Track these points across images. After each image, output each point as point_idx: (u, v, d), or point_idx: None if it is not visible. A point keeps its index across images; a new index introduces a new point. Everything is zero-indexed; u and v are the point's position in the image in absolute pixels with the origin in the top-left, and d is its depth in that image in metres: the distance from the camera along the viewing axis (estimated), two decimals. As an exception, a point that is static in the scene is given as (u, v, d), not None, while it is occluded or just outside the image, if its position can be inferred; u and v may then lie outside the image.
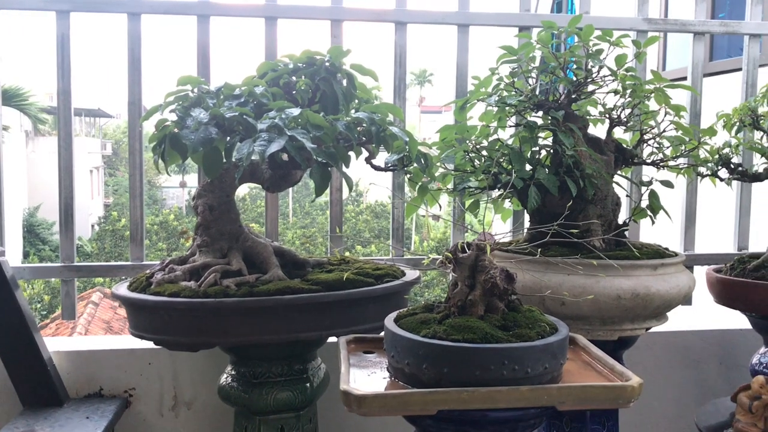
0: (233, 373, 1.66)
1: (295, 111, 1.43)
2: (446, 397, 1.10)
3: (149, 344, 1.56)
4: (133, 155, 2.05)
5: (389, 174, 2.13)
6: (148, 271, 1.63)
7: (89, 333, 9.09)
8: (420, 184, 1.78)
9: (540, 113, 1.80)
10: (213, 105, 1.47)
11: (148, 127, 1.98)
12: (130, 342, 1.98)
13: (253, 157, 1.34)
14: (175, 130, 1.46)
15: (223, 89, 1.55)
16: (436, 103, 42.72)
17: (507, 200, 1.94)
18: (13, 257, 1.86)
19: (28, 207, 20.75)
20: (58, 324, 9.47)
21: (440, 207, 1.85)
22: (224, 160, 1.46)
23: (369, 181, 1.61)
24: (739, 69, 2.41)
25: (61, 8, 1.98)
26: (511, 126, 1.88)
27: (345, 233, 2.16)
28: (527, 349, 1.13)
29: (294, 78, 1.70)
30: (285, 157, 1.52)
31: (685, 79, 2.38)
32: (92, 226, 23.12)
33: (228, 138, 1.45)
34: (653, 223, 1.87)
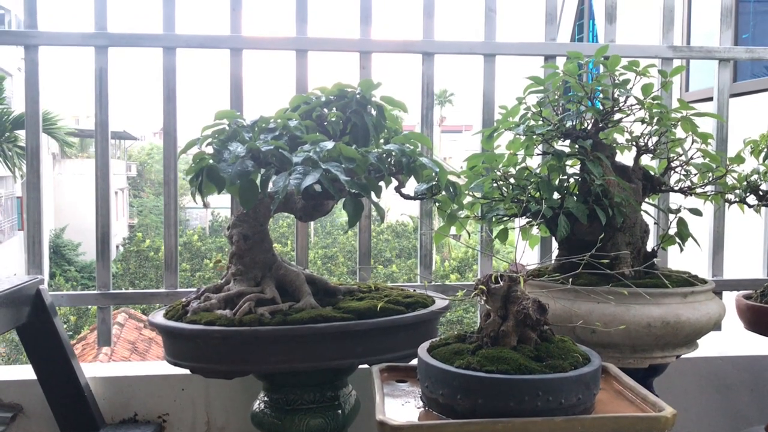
0: (266, 399, 1.68)
1: (329, 144, 1.46)
2: (481, 428, 1.12)
3: (183, 370, 1.59)
4: (167, 185, 2.10)
5: (416, 201, 2.16)
6: (184, 300, 1.67)
7: (115, 354, 9.17)
8: (449, 212, 1.80)
9: (567, 142, 1.83)
10: (249, 138, 1.51)
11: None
12: (164, 368, 2.02)
13: (289, 189, 1.38)
14: (212, 162, 1.50)
15: (258, 122, 1.59)
16: (457, 123, 42.80)
17: (534, 228, 1.96)
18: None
19: (54, 228, 21.06)
20: (84, 345, 9.58)
21: (468, 234, 1.87)
22: (259, 191, 1.50)
23: (391, 203, 1.64)
24: (764, 90, 2.42)
25: (100, 44, 2.05)
26: (538, 154, 1.91)
27: (372, 258, 2.18)
28: (561, 380, 1.14)
29: (326, 110, 1.74)
30: (318, 188, 1.55)
31: (708, 100, 2.39)
32: (117, 246, 23.40)
33: (263, 170, 1.50)
34: (682, 250, 1.87)
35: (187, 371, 1.58)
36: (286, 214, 1.78)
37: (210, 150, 1.54)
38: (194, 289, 1.73)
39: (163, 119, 2.10)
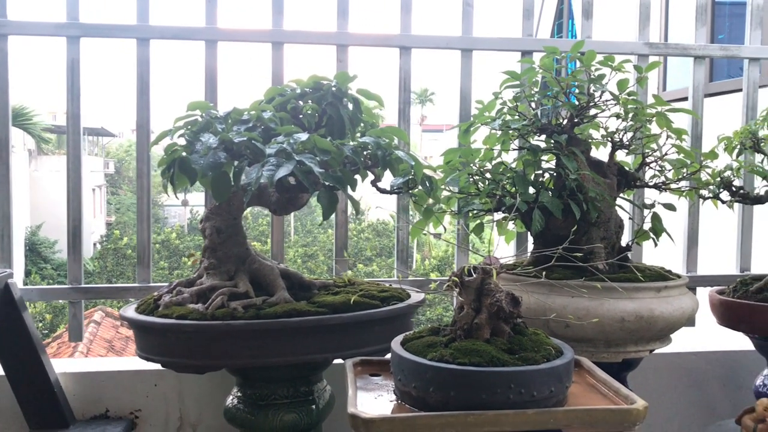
0: (239, 395, 1.67)
1: (303, 136, 1.45)
2: (453, 421, 1.11)
3: (155, 366, 1.57)
4: (140, 178, 2.07)
5: (393, 196, 2.15)
6: (156, 294, 1.65)
7: (91, 352, 9.06)
8: (425, 206, 1.80)
9: (543, 137, 1.83)
10: (222, 130, 1.49)
11: (156, 150, 2.01)
12: (136, 363, 2.00)
13: (261, 181, 1.36)
14: (184, 154, 1.48)
15: (232, 114, 1.57)
16: (438, 122, 42.88)
17: (511, 222, 1.96)
18: (16, 277, 1.88)
19: (30, 225, 20.77)
20: (59, 343, 9.45)
21: (444, 229, 1.87)
22: (232, 184, 1.48)
23: (371, 200, 1.63)
24: (740, 90, 2.44)
25: (72, 34, 2.02)
26: (514, 149, 1.91)
27: (348, 253, 2.17)
28: (533, 373, 1.14)
29: (301, 102, 1.72)
30: (292, 180, 1.54)
31: (685, 99, 2.41)
32: (94, 244, 23.14)
33: (236, 162, 1.48)
34: (656, 245, 1.88)
35: (159, 366, 1.56)
36: (266, 212, 1.77)
37: (182, 141, 1.52)
38: (167, 284, 1.71)
39: (137, 112, 2.08)
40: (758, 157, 2.03)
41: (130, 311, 1.61)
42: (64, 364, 2.03)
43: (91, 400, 1.97)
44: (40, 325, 13.18)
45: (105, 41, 2.09)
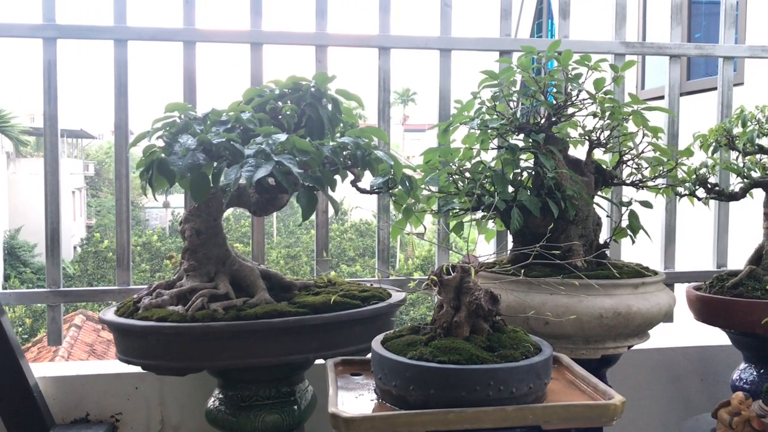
0: (221, 396, 1.66)
1: (282, 136, 1.45)
2: (433, 419, 1.12)
3: (136, 369, 1.56)
4: (119, 180, 2.06)
5: (374, 195, 2.16)
6: (135, 296, 1.64)
7: (72, 356, 8.98)
8: (405, 206, 1.81)
9: (521, 136, 1.84)
10: (200, 131, 1.49)
11: (135, 152, 2.00)
12: (116, 367, 1.98)
13: (240, 182, 1.36)
14: (163, 155, 1.47)
15: (210, 115, 1.57)
16: (420, 122, 42.94)
17: (490, 221, 1.98)
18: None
19: (9, 229, 20.51)
20: (40, 347, 9.37)
21: (425, 228, 1.88)
22: (211, 185, 1.48)
23: (353, 201, 1.63)
24: (716, 88, 2.47)
25: (48, 36, 2.00)
26: (493, 148, 1.92)
27: (330, 253, 2.17)
28: (512, 370, 1.15)
29: (280, 103, 1.72)
30: (272, 181, 1.54)
31: (663, 98, 2.44)
32: (74, 247, 22.91)
33: (215, 163, 1.47)
34: (633, 242, 1.91)
35: (139, 369, 1.55)
36: (248, 213, 1.76)
37: (161, 143, 1.51)
38: (146, 286, 1.70)
39: (115, 113, 2.06)
40: (733, 154, 2.06)
41: (109, 314, 1.60)
42: (44, 368, 2.01)
43: (72, 404, 1.95)
44: (20, 329, 13.03)
45: (82, 42, 2.08)
